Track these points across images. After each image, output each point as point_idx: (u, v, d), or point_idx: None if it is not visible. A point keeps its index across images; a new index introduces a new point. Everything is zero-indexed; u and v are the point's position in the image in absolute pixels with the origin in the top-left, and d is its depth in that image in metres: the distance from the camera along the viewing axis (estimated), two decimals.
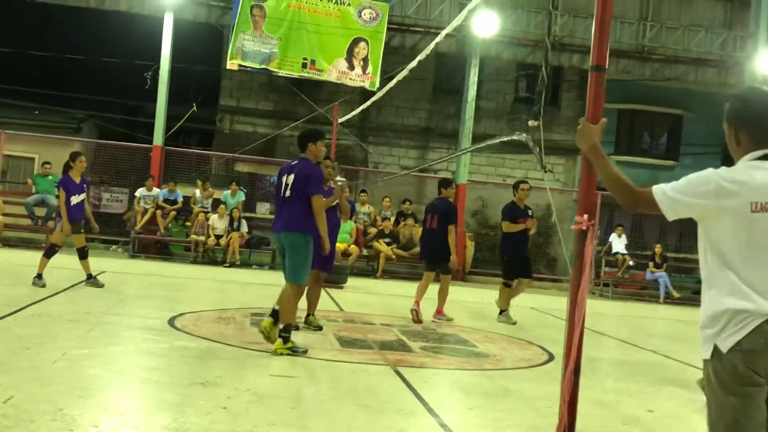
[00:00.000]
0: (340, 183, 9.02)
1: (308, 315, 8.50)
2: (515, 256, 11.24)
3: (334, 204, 8.50)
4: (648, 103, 24.67)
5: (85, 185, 10.95)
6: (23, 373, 5.18)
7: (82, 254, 10.74)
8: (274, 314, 7.00)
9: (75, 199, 10.67)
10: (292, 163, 7.40)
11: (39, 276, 10.29)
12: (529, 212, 11.53)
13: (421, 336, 8.72)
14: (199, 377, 5.54)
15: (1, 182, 18.91)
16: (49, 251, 10.65)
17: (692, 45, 21.30)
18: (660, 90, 23.83)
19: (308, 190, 7.05)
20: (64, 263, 14.23)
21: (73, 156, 10.82)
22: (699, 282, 9.23)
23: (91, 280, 10.69)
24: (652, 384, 7.18)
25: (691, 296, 19.96)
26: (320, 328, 8.36)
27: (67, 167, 10.71)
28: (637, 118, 25.29)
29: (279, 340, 6.86)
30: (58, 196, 10.67)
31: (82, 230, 10.92)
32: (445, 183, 10.89)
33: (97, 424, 4.16)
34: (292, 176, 7.20)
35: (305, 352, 6.91)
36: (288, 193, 7.15)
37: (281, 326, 6.94)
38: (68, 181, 10.59)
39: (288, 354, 6.75)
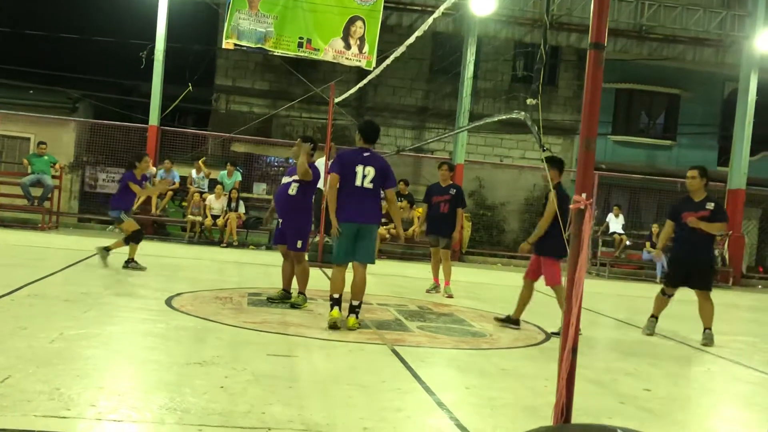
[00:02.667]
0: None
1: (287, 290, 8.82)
2: (677, 259, 9.13)
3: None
4: (645, 82, 24.63)
5: (144, 181, 11.51)
6: (20, 353, 5.18)
7: (137, 237, 11.12)
8: (351, 308, 7.55)
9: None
10: (364, 155, 7.60)
11: (131, 260, 10.87)
12: (709, 205, 8.69)
13: (418, 316, 8.74)
14: (197, 357, 5.54)
15: None
16: (135, 236, 11.07)
17: (690, 24, 21.20)
18: (658, 69, 23.79)
19: (388, 183, 7.68)
20: (61, 243, 14.23)
21: (139, 156, 11.55)
22: None
23: (131, 263, 10.93)
24: (648, 363, 7.20)
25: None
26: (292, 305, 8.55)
27: (131, 165, 11.33)
28: (634, 97, 25.27)
29: (352, 316, 7.47)
30: (127, 186, 11.26)
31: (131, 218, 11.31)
32: (452, 167, 11.67)
33: (95, 403, 4.16)
34: (371, 168, 7.50)
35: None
36: (369, 185, 7.53)
37: (355, 303, 7.52)
38: (131, 177, 11.19)
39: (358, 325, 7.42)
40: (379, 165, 7.59)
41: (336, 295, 7.50)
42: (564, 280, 8.30)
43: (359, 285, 7.56)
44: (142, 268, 10.79)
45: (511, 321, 8.51)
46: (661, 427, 4.64)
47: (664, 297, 9.05)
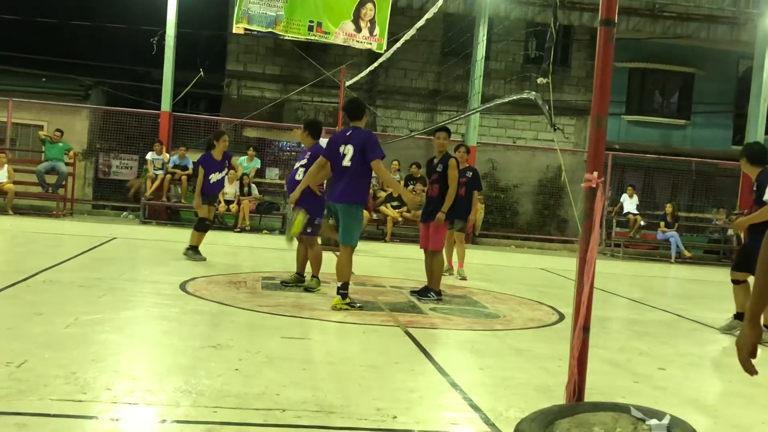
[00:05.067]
0: None
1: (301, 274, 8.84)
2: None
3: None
4: (659, 61, 24.44)
5: (226, 161, 10.89)
6: (36, 338, 5.22)
7: (201, 226, 10.70)
8: (337, 290, 7.55)
9: (214, 177, 10.75)
10: (347, 134, 7.58)
11: (195, 248, 10.54)
12: None
13: (432, 298, 8.74)
14: (211, 340, 5.57)
15: (11, 150, 18.92)
16: (200, 225, 10.70)
17: (704, 1, 20.99)
18: (671, 48, 23.59)
19: (370, 156, 7.43)
20: (76, 230, 14.32)
21: (217, 135, 10.87)
22: (710, 241, 8.89)
23: (191, 251, 10.63)
24: (663, 343, 7.19)
25: (702, 255, 19.95)
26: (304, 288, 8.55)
27: (210, 145, 10.77)
28: (648, 76, 25.08)
29: (338, 297, 7.44)
30: (196, 174, 10.82)
31: (215, 204, 10.99)
32: (468, 150, 11.48)
33: (110, 387, 4.19)
34: (350, 146, 7.45)
35: (361, 307, 7.51)
36: (348, 163, 7.46)
37: (339, 284, 7.48)
38: (209, 158, 10.64)
39: (346, 309, 7.33)
40: (358, 141, 7.48)
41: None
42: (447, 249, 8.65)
43: (337, 266, 7.57)
44: (198, 258, 10.42)
45: (428, 290, 8.61)
46: (675, 405, 4.63)
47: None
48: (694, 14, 21.27)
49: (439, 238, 8.71)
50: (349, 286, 7.56)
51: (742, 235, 19.92)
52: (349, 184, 7.46)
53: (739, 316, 7.58)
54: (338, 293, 7.47)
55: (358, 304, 7.53)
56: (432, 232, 8.68)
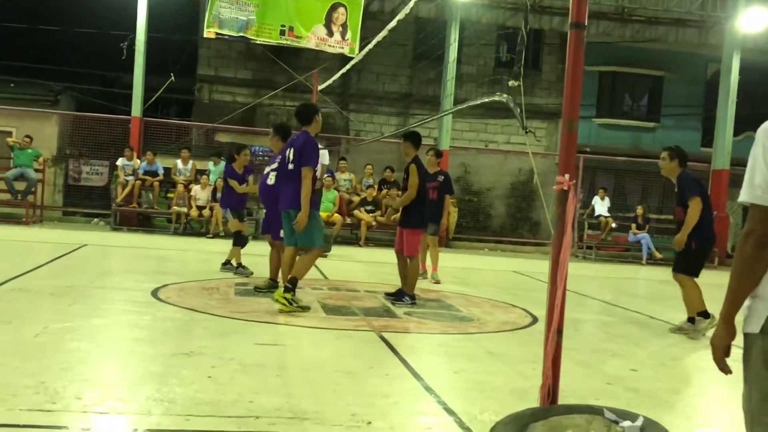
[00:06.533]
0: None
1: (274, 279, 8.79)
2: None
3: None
4: (628, 65, 24.66)
5: (247, 175, 10.83)
6: (4, 347, 5.14)
7: (239, 240, 10.48)
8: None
9: (240, 190, 10.65)
10: (293, 138, 7.54)
11: (240, 265, 10.32)
12: None
13: (406, 302, 8.73)
14: (184, 347, 5.51)
15: None
16: (237, 240, 10.49)
17: (672, 5, 21.22)
18: (640, 51, 23.81)
19: (302, 162, 7.28)
20: (46, 237, 14.14)
21: (239, 148, 10.84)
22: None
23: (227, 264, 10.48)
24: (635, 344, 7.24)
25: (673, 257, 20.08)
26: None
27: (231, 158, 10.71)
28: (617, 80, 25.30)
29: (280, 289, 7.32)
30: (228, 184, 10.68)
31: (245, 219, 10.80)
32: (439, 154, 11.39)
33: (80, 396, 4.14)
34: (292, 150, 7.45)
35: (306, 309, 7.34)
36: (291, 166, 7.42)
37: (289, 277, 7.37)
38: (231, 171, 10.57)
39: (284, 303, 7.16)
40: (297, 144, 7.43)
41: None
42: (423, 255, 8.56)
43: (297, 262, 7.52)
44: (245, 272, 10.16)
45: (408, 296, 8.58)
46: (647, 407, 4.66)
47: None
48: (662, 18, 21.49)
49: (414, 243, 8.70)
50: (324, 291, 7.53)
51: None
52: (295, 189, 7.34)
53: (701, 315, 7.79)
54: (284, 285, 7.34)
55: (300, 305, 7.34)
56: (406, 237, 8.68)
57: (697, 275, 7.85)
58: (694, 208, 7.58)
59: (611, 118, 25.04)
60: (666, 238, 21.13)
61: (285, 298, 7.20)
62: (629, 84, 25.58)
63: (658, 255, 18.69)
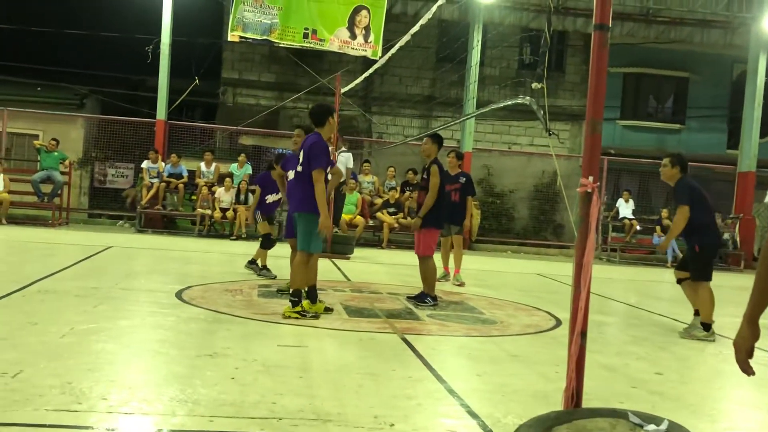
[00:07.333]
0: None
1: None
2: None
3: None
4: (653, 66, 24.50)
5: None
6: (31, 348, 5.20)
7: (266, 243, 10.58)
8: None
9: (271, 198, 10.73)
10: (306, 140, 7.48)
11: (264, 267, 10.42)
12: None
13: (428, 304, 8.72)
14: (207, 349, 5.54)
15: (6, 160, 18.88)
16: (265, 242, 10.58)
17: (697, 6, 21.05)
18: (665, 53, 23.64)
19: (312, 164, 7.13)
20: (72, 239, 14.29)
21: (278, 158, 10.69)
22: None
23: (253, 264, 10.61)
24: (660, 347, 7.18)
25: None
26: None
27: (270, 166, 10.71)
28: (642, 81, 25.13)
29: (288, 305, 7.20)
30: (253, 191, 10.95)
31: (274, 222, 10.89)
32: (460, 156, 11.42)
33: (106, 396, 4.17)
34: (302, 152, 7.34)
35: (315, 317, 7.16)
36: (299, 168, 7.31)
37: (290, 291, 7.31)
38: (267, 178, 10.60)
39: (296, 317, 7.03)
40: (306, 147, 7.30)
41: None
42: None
43: (291, 272, 7.53)
44: (269, 275, 10.22)
45: (429, 297, 8.64)
46: (672, 410, 4.62)
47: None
48: (687, 19, 21.32)
49: (428, 244, 8.69)
50: (346, 293, 7.52)
51: (737, 239, 20.01)
52: (304, 191, 7.21)
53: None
54: (290, 300, 7.25)
55: (311, 314, 7.20)
56: (420, 238, 8.69)
57: (709, 278, 7.88)
58: (681, 214, 7.76)
59: (636, 120, 24.88)
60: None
61: (296, 313, 7.10)
62: (654, 85, 25.41)
63: None
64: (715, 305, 7.83)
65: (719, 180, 21.72)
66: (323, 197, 7.08)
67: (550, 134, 4.82)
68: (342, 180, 13.79)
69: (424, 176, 8.84)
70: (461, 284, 10.92)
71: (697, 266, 7.95)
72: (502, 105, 9.53)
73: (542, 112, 4.58)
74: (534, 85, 4.53)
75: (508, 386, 5.12)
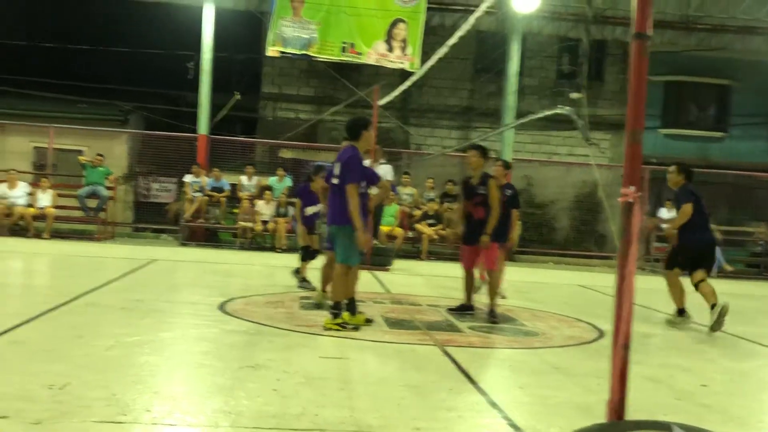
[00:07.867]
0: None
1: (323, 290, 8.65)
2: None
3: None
4: (694, 74, 24.17)
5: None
6: (77, 360, 5.29)
7: (306, 255, 10.55)
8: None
9: (310, 210, 10.60)
10: (341, 152, 7.50)
11: (304, 279, 10.44)
12: None
13: (469, 316, 8.69)
14: (250, 360, 5.59)
15: (53, 175, 19.24)
16: (306, 254, 10.62)
17: (738, 12, 20.71)
18: (706, 60, 23.31)
19: (346, 179, 7.13)
20: (117, 253, 14.51)
21: (317, 170, 10.56)
22: (751, 255, 9.52)
23: (297, 274, 10.62)
24: (705, 359, 7.07)
25: (744, 270, 19.58)
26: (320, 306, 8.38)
27: (309, 179, 10.67)
28: (683, 89, 24.79)
29: (329, 316, 7.23)
30: (293, 204, 11.07)
31: (315, 233, 10.97)
32: (507, 165, 10.86)
33: (150, 408, 4.23)
34: (338, 164, 7.32)
35: (356, 329, 7.16)
36: (335, 181, 7.31)
37: (331, 303, 7.35)
38: (306, 191, 10.56)
39: (337, 329, 7.05)
40: (341, 159, 7.28)
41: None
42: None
43: (332, 285, 7.55)
44: (309, 287, 10.18)
45: (465, 308, 8.79)
46: (719, 422, 4.55)
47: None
48: (729, 25, 20.98)
49: (491, 258, 8.73)
50: (386, 305, 7.52)
51: None
52: (340, 204, 7.19)
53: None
54: (330, 312, 7.29)
55: (352, 326, 7.20)
56: (484, 253, 8.70)
57: (671, 269, 9.13)
58: (683, 211, 8.73)
59: (677, 129, 24.55)
60: (736, 250, 20.59)
61: (337, 324, 7.12)
62: (695, 93, 25.06)
63: (729, 268, 18.21)
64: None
65: (763, 188, 21.35)
66: (357, 211, 7.05)
67: (590, 144, 4.79)
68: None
69: (480, 191, 8.69)
70: (503, 297, 10.77)
71: (672, 255, 9.21)
72: (541, 115, 9.47)
73: (582, 123, 4.56)
74: (573, 94, 4.51)
75: (550, 398, 5.08)
